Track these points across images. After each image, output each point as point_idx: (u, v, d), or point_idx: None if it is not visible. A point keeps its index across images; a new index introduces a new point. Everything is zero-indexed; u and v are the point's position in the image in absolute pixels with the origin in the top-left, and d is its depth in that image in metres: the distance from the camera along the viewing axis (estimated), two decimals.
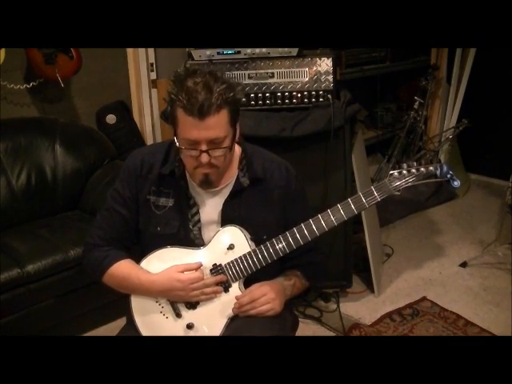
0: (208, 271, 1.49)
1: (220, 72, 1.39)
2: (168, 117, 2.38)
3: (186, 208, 1.53)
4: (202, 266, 1.48)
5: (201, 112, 1.32)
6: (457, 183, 1.45)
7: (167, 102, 1.41)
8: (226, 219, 1.52)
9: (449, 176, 1.44)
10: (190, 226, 1.53)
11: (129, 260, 1.55)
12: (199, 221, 1.54)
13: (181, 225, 1.53)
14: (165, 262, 1.50)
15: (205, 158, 1.38)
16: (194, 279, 1.45)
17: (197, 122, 1.34)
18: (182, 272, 1.46)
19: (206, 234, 1.54)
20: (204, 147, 1.37)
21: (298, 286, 1.60)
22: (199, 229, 1.54)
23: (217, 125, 1.36)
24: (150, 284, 1.49)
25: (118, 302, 1.72)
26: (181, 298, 1.49)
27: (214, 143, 1.38)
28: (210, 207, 1.54)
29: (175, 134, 1.42)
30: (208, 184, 1.48)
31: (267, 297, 1.47)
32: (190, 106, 1.32)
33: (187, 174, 1.54)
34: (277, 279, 1.56)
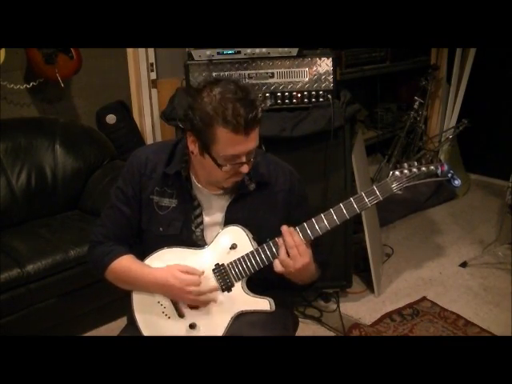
0: (210, 271, 1.49)
1: (238, 81, 1.41)
2: (168, 117, 2.42)
3: (190, 209, 1.53)
4: (204, 273, 1.48)
5: (247, 129, 1.34)
6: (457, 182, 1.45)
7: (200, 119, 1.35)
8: (230, 222, 1.51)
9: (449, 175, 1.44)
10: (193, 228, 1.53)
11: (131, 255, 1.56)
12: (202, 222, 1.54)
13: (183, 226, 1.53)
14: (167, 262, 1.50)
15: (246, 168, 1.41)
16: (189, 281, 1.45)
17: (242, 139, 1.35)
18: (183, 272, 1.46)
19: (208, 236, 1.53)
20: (244, 159, 1.40)
21: (314, 268, 1.53)
22: (202, 230, 1.54)
23: (256, 136, 1.40)
24: (150, 276, 1.49)
25: (119, 302, 1.72)
26: (176, 297, 1.49)
27: (250, 153, 1.41)
28: (214, 209, 1.54)
29: (207, 151, 1.39)
30: (233, 189, 1.51)
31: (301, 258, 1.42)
32: (237, 125, 1.32)
33: (192, 176, 1.54)
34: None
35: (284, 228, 1.43)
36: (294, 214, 1.56)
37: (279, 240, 1.44)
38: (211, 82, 1.38)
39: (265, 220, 1.53)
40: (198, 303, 1.49)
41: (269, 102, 2.39)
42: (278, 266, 1.43)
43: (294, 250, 1.42)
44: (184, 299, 1.49)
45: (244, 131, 1.34)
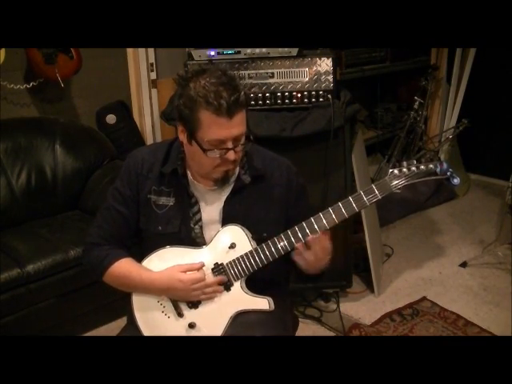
0: (209, 270, 1.49)
1: (226, 69, 1.42)
2: (168, 117, 2.42)
3: (188, 206, 1.53)
4: (204, 266, 1.48)
5: (230, 112, 1.35)
6: (456, 180, 1.45)
7: (185, 105, 1.39)
8: (227, 217, 1.52)
9: (448, 173, 1.44)
10: (192, 225, 1.53)
11: (129, 259, 1.55)
12: (200, 219, 1.54)
13: (182, 223, 1.53)
14: (166, 262, 1.50)
15: (232, 155, 1.41)
16: (196, 280, 1.46)
17: (225, 122, 1.36)
18: (185, 272, 1.46)
19: (207, 233, 1.54)
20: (230, 145, 1.40)
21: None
22: (200, 227, 1.54)
23: (241, 121, 1.40)
24: (151, 282, 1.49)
25: (119, 302, 1.72)
26: (181, 298, 1.50)
27: (237, 140, 1.41)
28: (212, 205, 1.54)
29: (193, 138, 1.41)
30: (224, 181, 1.50)
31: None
32: (219, 107, 1.34)
33: (188, 173, 1.54)
34: None
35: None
36: (294, 207, 1.57)
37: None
38: (198, 71, 1.40)
39: (261, 215, 1.54)
40: (205, 297, 1.49)
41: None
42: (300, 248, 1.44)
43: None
44: (190, 297, 1.49)
45: (226, 113, 1.34)
